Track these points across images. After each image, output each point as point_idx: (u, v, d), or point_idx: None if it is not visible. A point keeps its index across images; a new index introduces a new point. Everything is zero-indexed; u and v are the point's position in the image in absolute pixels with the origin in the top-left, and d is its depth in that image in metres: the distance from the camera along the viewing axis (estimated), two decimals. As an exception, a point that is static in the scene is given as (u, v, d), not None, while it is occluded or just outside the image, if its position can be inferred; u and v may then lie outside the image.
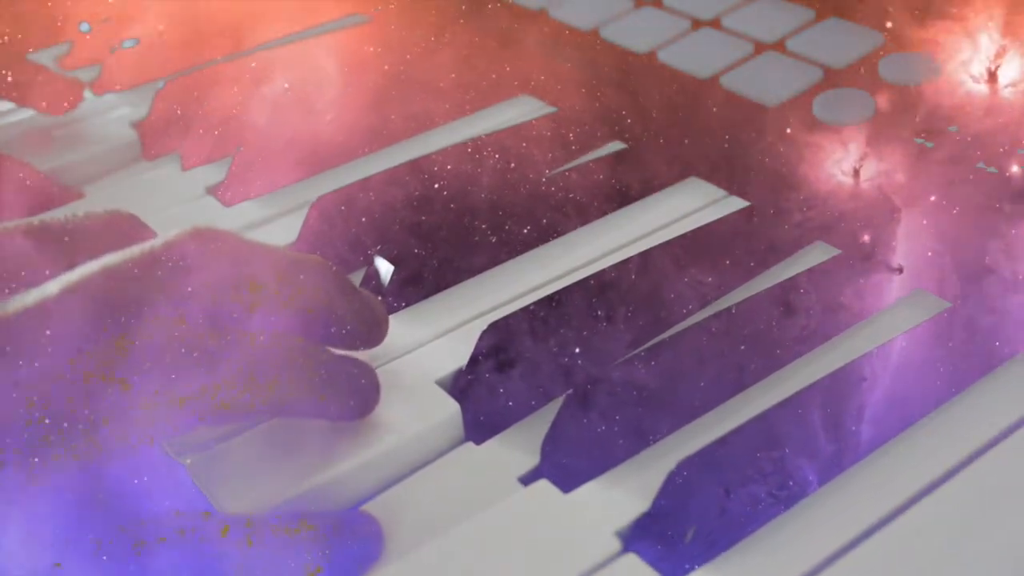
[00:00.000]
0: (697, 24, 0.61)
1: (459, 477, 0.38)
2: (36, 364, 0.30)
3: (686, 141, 0.54)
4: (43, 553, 0.30)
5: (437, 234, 0.48)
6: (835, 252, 0.46)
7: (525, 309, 0.42)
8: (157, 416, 0.32)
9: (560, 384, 0.41)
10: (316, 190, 0.53)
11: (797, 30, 0.58)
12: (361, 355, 0.40)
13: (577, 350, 0.42)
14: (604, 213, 0.50)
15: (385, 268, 0.46)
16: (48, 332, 0.31)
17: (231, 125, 0.59)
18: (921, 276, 0.44)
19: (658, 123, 0.56)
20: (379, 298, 0.41)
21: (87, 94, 0.65)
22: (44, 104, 0.60)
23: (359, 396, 0.38)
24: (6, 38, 0.64)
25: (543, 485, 0.36)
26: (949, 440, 0.37)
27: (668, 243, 0.46)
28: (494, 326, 0.42)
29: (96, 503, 0.31)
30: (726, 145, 0.53)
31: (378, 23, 0.70)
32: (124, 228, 0.38)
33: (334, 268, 0.38)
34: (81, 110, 0.63)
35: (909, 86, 0.52)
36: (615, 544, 0.34)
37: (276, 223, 0.52)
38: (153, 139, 0.60)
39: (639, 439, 0.38)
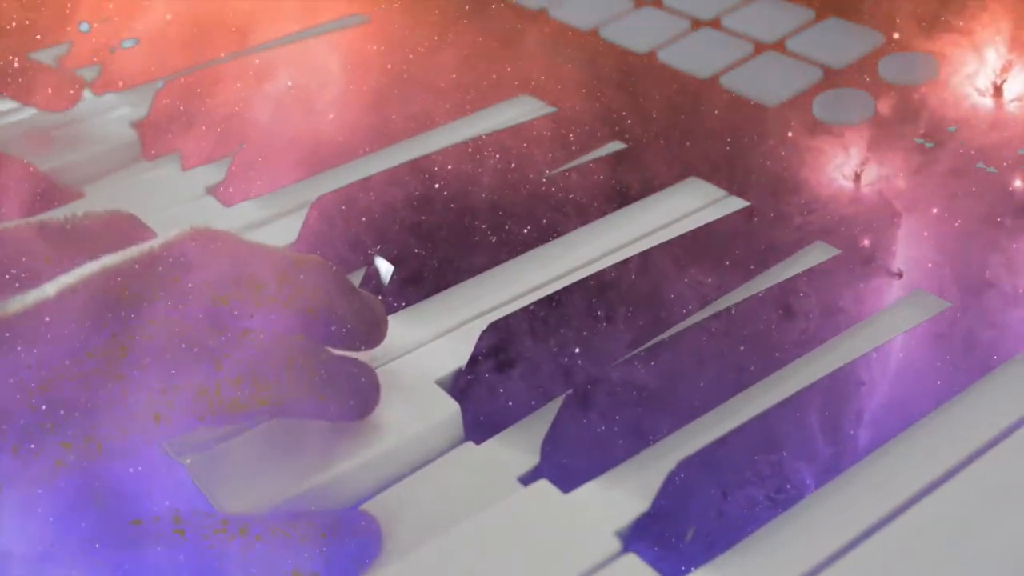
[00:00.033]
0: (697, 24, 0.61)
1: (459, 477, 0.38)
2: (35, 364, 0.30)
3: (686, 141, 0.54)
4: (39, 547, 0.30)
5: (437, 234, 0.48)
6: (835, 252, 0.46)
7: (525, 309, 0.42)
8: (157, 416, 0.32)
9: (560, 384, 0.41)
10: (316, 190, 0.53)
11: (797, 30, 0.58)
12: (361, 355, 0.40)
13: (577, 350, 0.42)
14: (604, 213, 0.50)
15: (385, 268, 0.46)
16: (47, 332, 0.31)
17: (231, 125, 0.59)
18: (921, 276, 0.44)
19: (658, 123, 0.56)
20: (379, 298, 0.41)
21: (87, 94, 0.65)
22: (44, 101, 0.60)
23: (359, 396, 0.38)
24: (13, 23, 0.64)
25: (543, 485, 0.36)
26: (949, 440, 0.37)
27: (668, 243, 0.46)
28: (494, 326, 0.42)
29: (95, 501, 0.31)
30: (726, 145, 0.53)
31: (378, 23, 0.70)
32: (124, 228, 0.38)
33: (334, 268, 0.38)
34: (81, 110, 0.63)
35: (909, 86, 0.52)
36: (615, 544, 0.34)
37: (276, 223, 0.52)
38: (153, 139, 0.60)
39: (639, 439, 0.38)
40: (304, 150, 0.56)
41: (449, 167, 0.53)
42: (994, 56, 0.49)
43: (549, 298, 0.43)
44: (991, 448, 0.36)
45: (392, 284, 0.46)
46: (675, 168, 0.53)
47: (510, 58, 0.64)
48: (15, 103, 0.64)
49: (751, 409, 0.38)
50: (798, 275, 0.44)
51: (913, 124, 0.50)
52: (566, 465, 0.37)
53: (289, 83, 0.61)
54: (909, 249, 0.44)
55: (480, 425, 0.40)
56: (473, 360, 0.41)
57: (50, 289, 0.32)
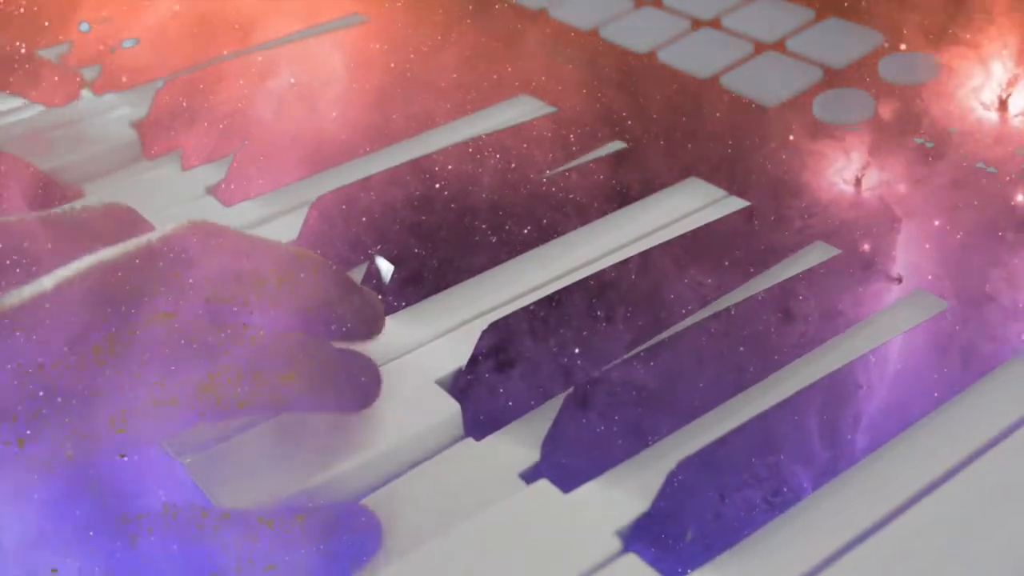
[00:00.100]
0: (697, 24, 0.61)
1: (459, 472, 0.38)
2: (33, 358, 0.30)
3: (686, 141, 0.54)
4: (33, 534, 0.30)
5: (437, 234, 0.48)
6: (835, 252, 0.46)
7: (525, 309, 0.42)
8: (157, 412, 0.32)
9: (560, 384, 0.41)
10: (316, 189, 0.53)
11: (797, 30, 0.58)
12: (361, 348, 0.40)
13: (577, 350, 0.42)
14: (604, 213, 0.50)
15: (385, 268, 0.46)
16: (45, 326, 0.31)
17: (231, 124, 0.59)
18: (920, 276, 0.44)
19: (658, 123, 0.56)
20: (379, 296, 0.41)
21: (87, 94, 0.65)
22: (44, 94, 0.60)
23: (359, 389, 0.38)
24: (22, 9, 0.64)
25: (543, 485, 0.36)
26: (949, 440, 0.37)
27: (668, 243, 0.46)
28: (494, 326, 0.42)
29: (90, 489, 0.31)
30: (726, 146, 0.53)
31: (379, 23, 0.70)
32: (122, 221, 0.38)
33: (333, 267, 0.38)
34: (81, 110, 0.63)
35: (909, 86, 0.52)
36: (615, 544, 0.34)
37: (276, 223, 0.52)
38: (154, 138, 0.60)
39: (639, 439, 0.38)
40: (304, 149, 0.56)
41: (449, 167, 0.53)
42: (1000, 69, 0.49)
43: (549, 298, 0.43)
44: (990, 448, 0.36)
45: (392, 284, 0.46)
46: (675, 168, 0.53)
47: (510, 58, 0.64)
48: (15, 103, 0.64)
49: (752, 409, 0.38)
50: (798, 275, 0.44)
51: (913, 125, 0.50)
52: (566, 465, 0.37)
53: (290, 82, 0.61)
54: (908, 252, 0.44)
55: (480, 425, 0.40)
56: (473, 360, 0.41)
57: (47, 283, 0.32)
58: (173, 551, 0.31)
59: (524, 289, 0.46)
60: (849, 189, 0.48)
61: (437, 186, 0.51)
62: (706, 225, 0.48)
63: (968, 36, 0.52)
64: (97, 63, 0.67)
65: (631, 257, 0.45)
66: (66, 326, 0.31)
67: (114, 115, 0.62)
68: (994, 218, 0.45)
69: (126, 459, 0.32)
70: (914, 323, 0.41)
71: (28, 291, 0.32)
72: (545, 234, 0.49)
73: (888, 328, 0.42)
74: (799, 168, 0.50)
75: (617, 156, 0.55)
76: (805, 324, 0.42)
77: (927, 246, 0.45)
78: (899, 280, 0.44)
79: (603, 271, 0.45)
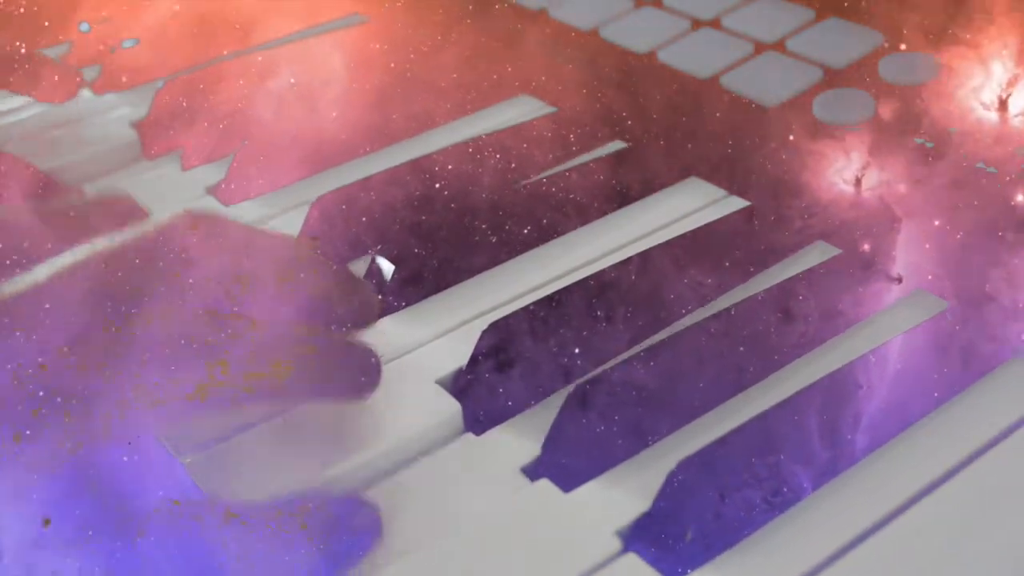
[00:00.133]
0: (697, 24, 0.61)
1: (459, 467, 0.38)
2: (30, 348, 0.30)
3: (686, 141, 0.54)
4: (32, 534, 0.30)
5: (437, 234, 0.48)
6: (835, 252, 0.46)
7: (525, 309, 0.42)
8: (155, 403, 0.32)
9: (560, 384, 0.41)
10: (316, 189, 0.52)
11: (797, 30, 0.58)
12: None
13: (577, 350, 0.42)
14: (604, 213, 0.50)
15: (386, 267, 0.46)
16: (41, 316, 0.31)
17: (232, 123, 0.59)
18: (920, 276, 0.44)
19: (658, 123, 0.56)
20: (379, 296, 0.41)
21: (87, 94, 0.65)
22: (44, 92, 0.60)
23: (358, 379, 0.38)
24: (22, 9, 0.64)
25: (543, 485, 0.36)
26: (949, 440, 0.37)
27: (668, 243, 0.46)
28: (494, 326, 0.42)
29: (90, 489, 0.31)
30: (726, 146, 0.53)
31: (379, 23, 0.70)
32: (118, 208, 0.38)
33: (331, 264, 0.38)
34: (81, 110, 0.63)
35: (909, 86, 0.52)
36: (615, 544, 0.34)
37: (276, 222, 0.52)
38: (154, 138, 0.60)
39: (639, 439, 0.38)
40: (304, 149, 0.56)
41: (449, 167, 0.53)
42: (1000, 69, 0.49)
43: (549, 298, 0.43)
44: (990, 448, 0.36)
45: (392, 284, 0.46)
46: (675, 168, 0.53)
47: (510, 58, 0.64)
48: (15, 103, 0.64)
49: (752, 409, 0.38)
50: (798, 275, 0.44)
51: (913, 125, 0.50)
52: (566, 465, 0.37)
53: (290, 82, 0.61)
54: (908, 252, 0.44)
55: (481, 424, 0.40)
56: (473, 360, 0.41)
57: (43, 273, 0.32)
58: (173, 551, 0.31)
59: (524, 289, 0.46)
60: (849, 189, 0.48)
61: (437, 186, 0.51)
62: (706, 225, 0.48)
63: (968, 36, 0.52)
64: (97, 63, 0.67)
65: (631, 257, 0.45)
66: (63, 316, 0.31)
67: (114, 115, 0.62)
68: (994, 218, 0.45)
69: (124, 452, 0.32)
70: (914, 323, 0.41)
71: (23, 282, 0.31)
72: (545, 234, 0.49)
73: (888, 328, 0.42)
74: (799, 168, 0.50)
75: (617, 156, 0.55)
76: (805, 324, 0.42)
77: (927, 246, 0.45)
78: (899, 280, 0.44)
79: (603, 271, 0.45)
